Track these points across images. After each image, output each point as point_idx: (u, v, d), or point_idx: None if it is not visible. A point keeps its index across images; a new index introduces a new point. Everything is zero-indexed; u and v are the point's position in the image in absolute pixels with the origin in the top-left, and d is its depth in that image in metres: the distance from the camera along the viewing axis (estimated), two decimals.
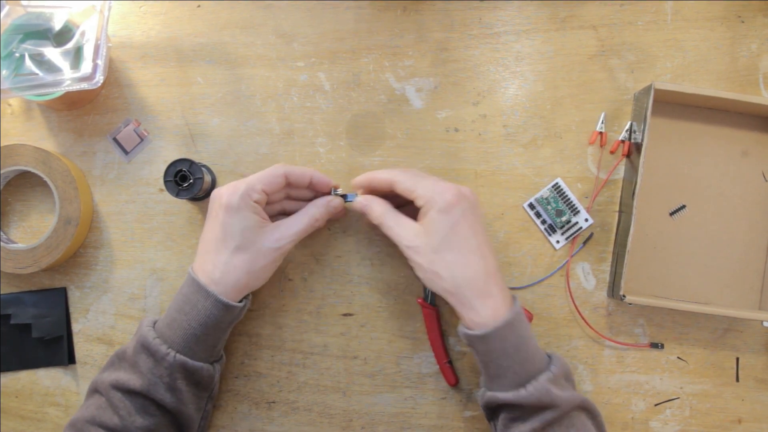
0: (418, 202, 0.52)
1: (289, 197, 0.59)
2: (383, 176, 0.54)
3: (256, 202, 0.52)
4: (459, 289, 0.50)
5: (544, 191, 0.60)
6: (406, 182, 0.52)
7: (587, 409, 0.51)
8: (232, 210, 0.52)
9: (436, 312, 0.59)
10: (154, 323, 0.54)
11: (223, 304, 0.51)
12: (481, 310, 0.50)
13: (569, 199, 0.60)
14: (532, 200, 0.61)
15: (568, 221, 0.60)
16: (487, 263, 0.51)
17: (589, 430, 0.50)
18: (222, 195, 0.52)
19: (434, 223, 0.50)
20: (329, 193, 0.57)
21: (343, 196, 0.57)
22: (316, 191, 0.58)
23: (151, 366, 0.51)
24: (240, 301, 0.54)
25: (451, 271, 0.50)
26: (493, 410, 0.53)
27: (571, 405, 0.49)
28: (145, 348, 0.52)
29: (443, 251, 0.50)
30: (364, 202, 0.55)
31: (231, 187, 0.53)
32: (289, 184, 0.56)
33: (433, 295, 0.60)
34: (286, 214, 0.59)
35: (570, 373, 0.53)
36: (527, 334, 0.51)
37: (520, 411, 0.50)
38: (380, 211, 0.54)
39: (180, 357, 0.51)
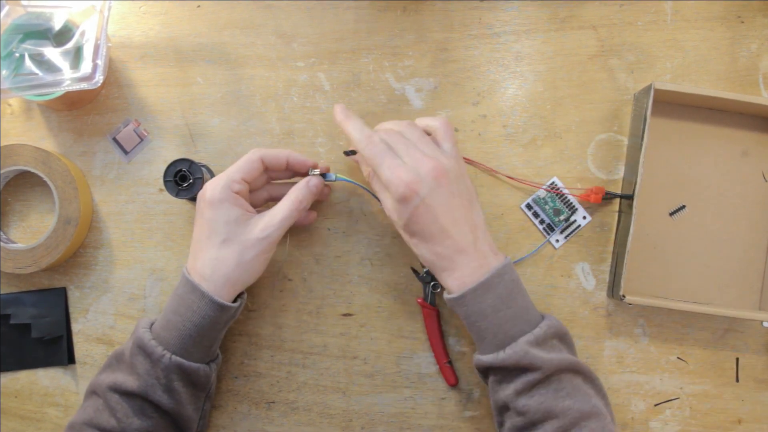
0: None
1: (271, 180, 0.58)
2: (354, 136, 0.52)
3: (237, 193, 0.53)
4: (429, 264, 0.52)
5: (541, 191, 0.60)
6: (370, 156, 0.51)
7: (580, 372, 0.50)
8: (215, 204, 0.52)
9: (436, 312, 0.59)
10: (151, 324, 0.54)
11: (218, 304, 0.51)
12: (450, 280, 0.51)
13: (566, 197, 0.60)
14: (529, 200, 0.61)
15: (567, 219, 0.60)
16: (455, 241, 0.50)
17: (580, 391, 0.49)
18: (205, 192, 0.53)
19: (395, 209, 0.51)
20: (307, 174, 0.56)
21: (322, 175, 0.56)
22: (294, 172, 0.57)
23: (148, 368, 0.51)
24: (235, 301, 0.54)
25: (419, 250, 0.52)
26: (483, 373, 0.53)
27: (556, 367, 0.48)
28: (141, 350, 0.52)
29: (409, 233, 0.51)
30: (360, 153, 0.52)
31: (212, 182, 0.53)
32: (267, 168, 0.56)
33: (433, 295, 0.60)
34: (273, 199, 0.59)
35: (565, 335, 0.52)
36: (512, 296, 0.50)
37: (503, 373, 0.50)
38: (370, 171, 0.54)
39: (176, 358, 0.51)
